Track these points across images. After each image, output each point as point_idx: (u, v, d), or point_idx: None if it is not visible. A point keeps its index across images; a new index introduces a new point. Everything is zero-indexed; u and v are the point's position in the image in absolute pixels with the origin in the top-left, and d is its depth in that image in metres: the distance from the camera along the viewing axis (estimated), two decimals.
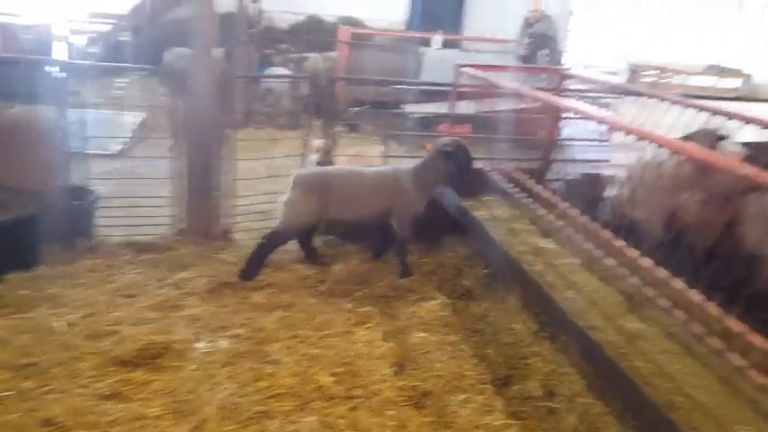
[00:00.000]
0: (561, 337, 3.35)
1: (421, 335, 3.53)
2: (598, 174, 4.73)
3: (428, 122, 8.75)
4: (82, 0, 12.03)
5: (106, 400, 2.77)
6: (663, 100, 4.04)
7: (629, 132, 3.11)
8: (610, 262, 3.36)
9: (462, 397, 2.98)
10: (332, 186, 4.15)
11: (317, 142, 5.01)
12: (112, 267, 4.06)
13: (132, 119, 7.99)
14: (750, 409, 2.33)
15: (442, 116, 8.57)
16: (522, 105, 4.78)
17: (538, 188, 4.34)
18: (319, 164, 4.92)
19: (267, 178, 5.27)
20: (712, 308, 2.63)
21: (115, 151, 6.98)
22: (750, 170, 2.29)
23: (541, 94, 4.01)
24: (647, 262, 3.05)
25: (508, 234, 4.01)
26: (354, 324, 3.59)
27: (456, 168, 4.18)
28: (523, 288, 3.58)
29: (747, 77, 9.84)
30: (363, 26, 12.98)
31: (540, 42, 8.94)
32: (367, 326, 3.57)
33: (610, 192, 4.40)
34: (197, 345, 3.21)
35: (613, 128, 3.27)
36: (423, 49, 9.68)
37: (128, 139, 7.47)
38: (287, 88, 10.13)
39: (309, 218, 4.18)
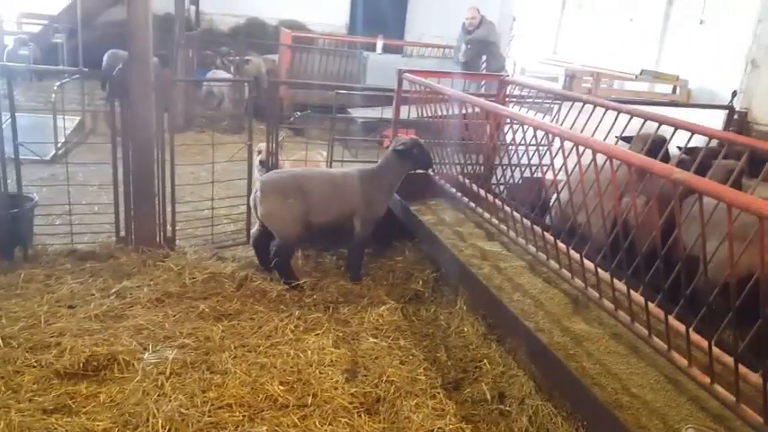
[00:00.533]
0: (509, 340, 3.44)
1: (372, 340, 3.54)
2: (539, 178, 4.85)
3: (373, 127, 8.80)
4: (11, 0, 11.46)
5: (50, 415, 2.67)
6: (597, 106, 4.19)
7: (565, 138, 3.20)
8: (554, 264, 3.45)
9: (414, 402, 3.00)
10: (305, 188, 4.10)
11: (261, 146, 4.94)
12: (52, 277, 3.88)
13: (67, 123, 7.63)
14: (695, 406, 2.43)
15: (387, 121, 8.71)
16: (464, 111, 4.86)
17: (482, 192, 4.41)
18: (262, 166, 4.85)
19: (209, 183, 5.19)
20: (654, 308, 2.75)
21: (49, 157, 6.64)
22: (684, 176, 2.40)
23: (480, 101, 4.08)
24: (589, 264, 3.15)
25: (455, 237, 4.07)
26: (304, 331, 3.56)
27: (414, 166, 4.22)
28: (471, 291, 3.64)
29: (683, 82, 10.35)
30: (306, 30, 12.93)
31: (479, 48, 9.12)
32: (317, 333, 3.55)
33: (551, 195, 4.53)
34: (143, 355, 3.11)
35: (550, 133, 3.36)
36: (366, 53, 9.71)
37: (62, 144, 7.12)
38: (228, 91, 9.95)
39: (298, 223, 4.10)
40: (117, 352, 3.06)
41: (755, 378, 2.28)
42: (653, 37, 11.40)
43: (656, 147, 4.21)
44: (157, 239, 4.43)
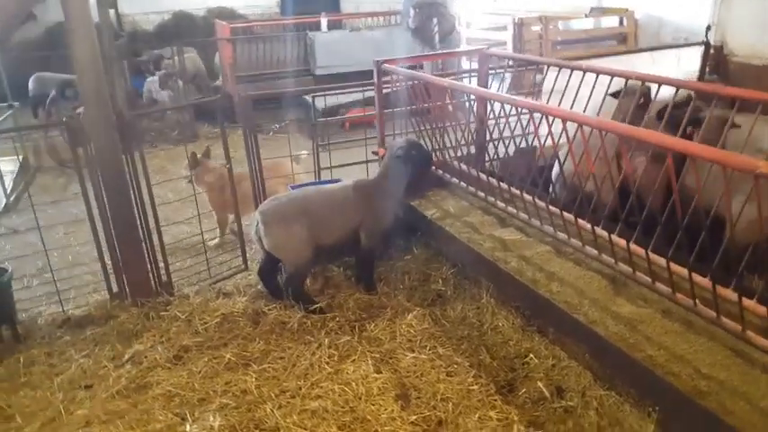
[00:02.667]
0: (550, 329, 3.37)
1: (410, 355, 3.40)
2: (531, 148, 4.73)
3: (335, 110, 8.49)
4: None
5: None
6: (575, 70, 4.07)
7: (558, 117, 3.10)
8: (576, 243, 3.38)
9: (477, 416, 2.91)
10: (306, 211, 3.91)
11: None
12: (54, 355, 3.58)
13: (8, 166, 7.07)
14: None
15: (350, 103, 8.42)
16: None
17: (478, 174, 4.28)
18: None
19: (178, 202, 4.91)
20: (692, 275, 2.71)
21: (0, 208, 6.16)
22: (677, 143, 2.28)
23: (470, 88, 3.94)
24: (615, 239, 3.08)
25: (469, 230, 3.94)
26: (339, 360, 3.39)
27: (415, 169, 4.04)
28: (503, 287, 3.54)
29: (629, 13, 10.33)
30: (239, 17, 12.32)
31: (428, 11, 8.83)
32: (352, 359, 3.38)
33: (545, 161, 4.43)
34: (185, 427, 2.89)
35: (544, 114, 3.25)
36: (312, 33, 9.29)
37: (10, 191, 6.61)
38: (170, 96, 9.40)
39: (307, 248, 3.91)
40: (156, 430, 2.85)
41: None
42: None
43: (647, 99, 4.18)
44: (153, 287, 4.14)
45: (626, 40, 9.60)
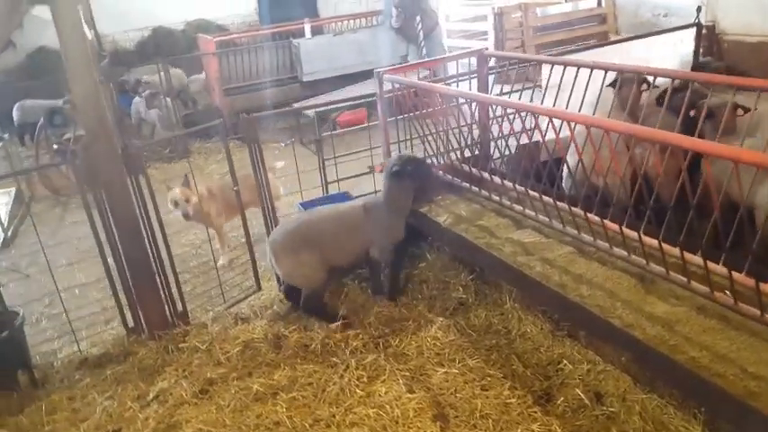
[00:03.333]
0: (581, 333, 3.32)
1: (441, 371, 3.34)
2: (537, 141, 4.67)
3: (324, 116, 8.42)
4: None
5: None
6: (570, 65, 4.03)
7: (561, 118, 3.07)
8: (602, 244, 3.34)
9: (519, 431, 2.86)
10: (315, 235, 3.90)
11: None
12: (76, 399, 3.48)
13: (2, 198, 6.93)
14: None
15: (338, 107, 8.33)
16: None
17: (486, 175, 4.23)
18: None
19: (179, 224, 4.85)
20: (720, 269, 2.68)
21: None
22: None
23: (476, 95, 3.90)
24: (646, 239, 3.04)
25: (485, 235, 3.85)
26: (369, 382, 3.32)
27: (415, 182, 3.98)
28: (530, 293, 3.48)
29: None
30: (218, 29, 12.16)
31: (410, 9, 8.76)
32: (382, 379, 3.31)
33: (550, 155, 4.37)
34: None
35: (548, 116, 3.23)
36: (296, 40, 9.19)
37: (6, 226, 6.47)
38: (159, 115, 9.25)
39: (320, 272, 3.93)
40: None
41: None
42: None
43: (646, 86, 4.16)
44: (169, 318, 4.05)
45: (605, 20, 9.62)
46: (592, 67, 3.76)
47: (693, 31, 5.24)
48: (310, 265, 3.87)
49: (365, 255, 4.04)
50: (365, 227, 3.95)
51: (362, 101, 5.34)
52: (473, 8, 12.11)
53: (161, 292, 3.98)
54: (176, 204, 4.82)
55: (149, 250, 3.86)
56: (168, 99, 8.62)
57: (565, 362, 3.21)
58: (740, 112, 3.63)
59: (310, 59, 8.94)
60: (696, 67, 5.13)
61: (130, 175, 3.72)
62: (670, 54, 5.55)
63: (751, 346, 2.56)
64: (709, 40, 5.25)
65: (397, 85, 4.28)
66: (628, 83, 4.26)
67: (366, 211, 3.98)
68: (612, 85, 4.26)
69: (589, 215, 3.23)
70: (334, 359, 3.56)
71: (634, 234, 3.06)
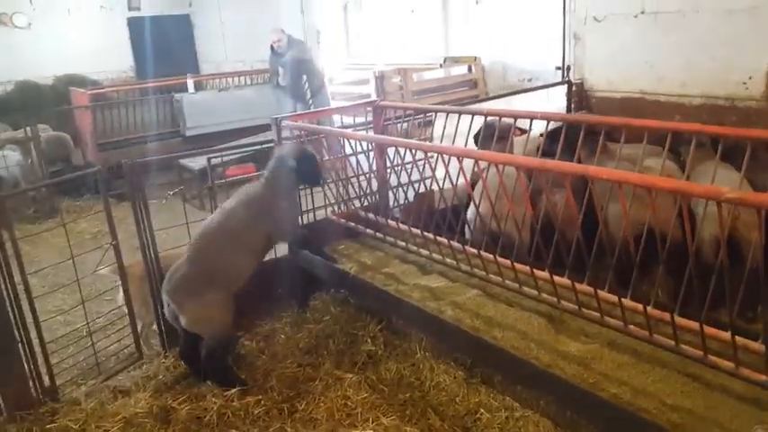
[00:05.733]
0: (496, 378, 3.23)
1: None
2: (431, 190, 4.70)
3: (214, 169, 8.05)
4: None
5: None
6: (462, 114, 4.15)
7: (453, 155, 3.11)
8: (510, 284, 3.33)
9: None
10: (210, 257, 3.57)
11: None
12: None
13: None
14: (741, 402, 2.40)
15: (229, 161, 8.01)
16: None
17: (386, 222, 4.15)
18: None
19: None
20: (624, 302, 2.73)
21: None
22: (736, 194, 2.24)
23: (373, 137, 3.86)
24: (544, 275, 3.05)
25: (393, 281, 3.73)
26: None
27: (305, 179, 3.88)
28: (445, 338, 3.35)
29: (478, 60, 11.12)
30: (91, 84, 11.47)
31: (297, 69, 8.79)
32: None
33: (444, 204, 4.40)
34: None
35: (440, 153, 3.27)
36: (179, 95, 8.83)
37: None
38: (20, 171, 8.35)
39: (228, 309, 3.58)
40: None
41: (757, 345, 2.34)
42: (435, 24, 12.20)
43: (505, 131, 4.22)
44: (35, 395, 3.45)
45: (476, 85, 10.35)
46: (486, 114, 3.85)
47: (565, 88, 5.66)
48: (217, 303, 3.50)
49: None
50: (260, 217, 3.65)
51: (250, 151, 5.10)
52: (355, 72, 12.50)
53: (25, 365, 3.39)
54: None
55: (11, 316, 3.30)
56: (34, 154, 7.84)
57: (482, 411, 3.08)
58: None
59: (193, 114, 8.60)
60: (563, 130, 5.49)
61: None
62: (547, 108, 5.93)
63: (665, 378, 2.58)
64: (579, 96, 5.67)
65: (296, 132, 4.13)
66: (489, 130, 4.33)
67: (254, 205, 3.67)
68: (475, 138, 4.30)
69: (499, 258, 3.20)
70: (233, 430, 3.18)
71: (543, 274, 3.05)
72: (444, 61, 11.52)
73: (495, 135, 3.89)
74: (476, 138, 4.25)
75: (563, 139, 3.43)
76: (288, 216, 3.80)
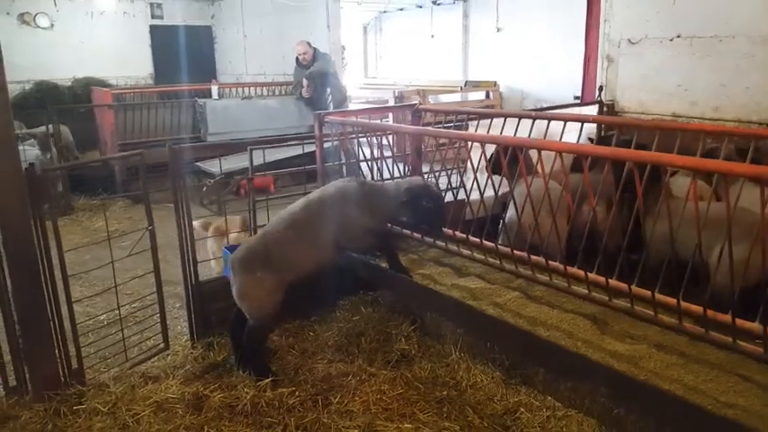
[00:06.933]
0: (537, 378, 3.21)
1: (393, 426, 3.03)
2: (463, 198, 4.72)
3: (228, 178, 8.08)
4: None
5: None
6: (507, 117, 4.22)
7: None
8: (542, 287, 3.35)
9: None
10: (277, 245, 3.55)
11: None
12: None
13: None
14: None
15: (244, 169, 8.03)
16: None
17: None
18: None
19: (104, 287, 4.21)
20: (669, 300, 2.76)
21: None
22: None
23: (440, 131, 3.93)
24: (592, 276, 3.07)
25: (429, 281, 3.72)
26: None
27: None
28: (488, 335, 3.33)
29: (496, 87, 11.33)
30: (109, 87, 11.55)
31: (321, 81, 8.89)
32: None
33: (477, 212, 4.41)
34: None
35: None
36: (202, 100, 8.89)
37: None
38: (39, 167, 8.35)
39: (275, 295, 3.52)
40: None
41: None
42: (455, 49, 12.46)
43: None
44: (62, 377, 3.40)
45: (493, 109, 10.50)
46: (534, 118, 3.89)
47: (596, 107, 5.73)
48: (266, 284, 3.48)
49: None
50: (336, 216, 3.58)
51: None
52: (373, 91, 12.69)
53: (55, 346, 3.35)
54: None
55: (47, 296, 3.27)
56: (54, 150, 7.86)
57: (522, 410, 3.05)
58: None
59: (216, 120, 8.65)
60: (601, 139, 5.54)
61: (33, 204, 3.18)
62: (576, 128, 6.00)
63: (716, 377, 2.57)
64: (610, 117, 5.73)
65: (338, 129, 4.17)
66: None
67: (339, 199, 3.62)
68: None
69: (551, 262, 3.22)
70: (269, 419, 3.13)
71: (598, 278, 3.06)
72: (465, 84, 11.72)
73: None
74: (493, 163, 4.20)
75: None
76: (356, 227, 3.62)
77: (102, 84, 11.70)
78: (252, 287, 3.49)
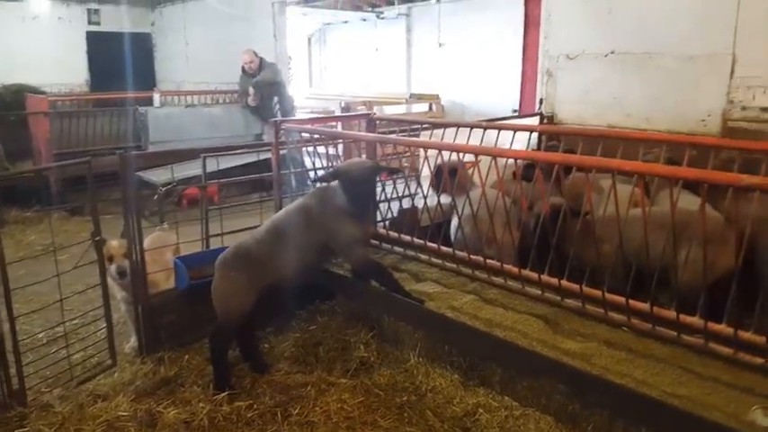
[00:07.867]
0: (494, 379, 3.29)
1: None
2: (415, 207, 4.80)
3: (172, 188, 7.87)
4: None
5: None
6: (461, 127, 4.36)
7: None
8: (496, 290, 3.48)
9: None
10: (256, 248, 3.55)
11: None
12: None
13: None
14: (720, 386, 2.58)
15: (188, 178, 7.85)
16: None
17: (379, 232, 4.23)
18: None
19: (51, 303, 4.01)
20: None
21: None
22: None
23: (391, 137, 4.01)
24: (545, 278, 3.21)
25: None
26: None
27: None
28: (447, 337, 3.40)
29: (438, 99, 11.60)
30: (42, 95, 11.06)
31: (269, 91, 8.84)
32: None
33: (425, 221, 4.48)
34: None
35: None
36: (143, 108, 8.65)
37: None
38: None
39: (244, 297, 3.49)
40: None
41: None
42: (399, 62, 12.69)
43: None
44: (1, 399, 3.22)
45: None
46: (485, 128, 4.01)
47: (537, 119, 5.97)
48: (236, 284, 3.48)
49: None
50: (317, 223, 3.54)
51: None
52: (319, 101, 12.71)
53: None
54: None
55: None
56: None
57: (481, 411, 3.12)
58: None
59: (158, 128, 8.43)
60: (546, 149, 5.77)
61: None
62: (519, 139, 6.22)
63: (662, 371, 2.73)
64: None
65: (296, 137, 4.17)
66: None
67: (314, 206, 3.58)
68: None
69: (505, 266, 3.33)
70: None
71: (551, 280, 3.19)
72: (410, 96, 11.94)
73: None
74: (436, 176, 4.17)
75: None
76: (341, 232, 3.52)
77: (35, 91, 11.17)
78: (223, 285, 3.52)
